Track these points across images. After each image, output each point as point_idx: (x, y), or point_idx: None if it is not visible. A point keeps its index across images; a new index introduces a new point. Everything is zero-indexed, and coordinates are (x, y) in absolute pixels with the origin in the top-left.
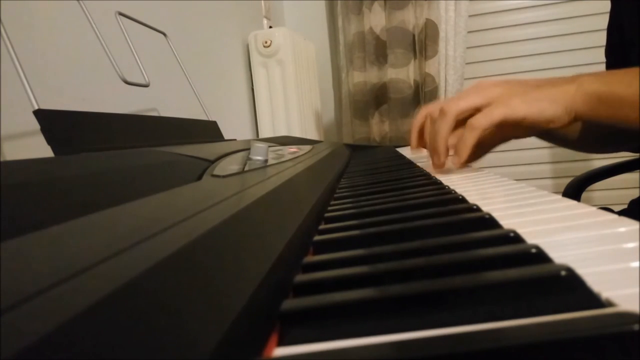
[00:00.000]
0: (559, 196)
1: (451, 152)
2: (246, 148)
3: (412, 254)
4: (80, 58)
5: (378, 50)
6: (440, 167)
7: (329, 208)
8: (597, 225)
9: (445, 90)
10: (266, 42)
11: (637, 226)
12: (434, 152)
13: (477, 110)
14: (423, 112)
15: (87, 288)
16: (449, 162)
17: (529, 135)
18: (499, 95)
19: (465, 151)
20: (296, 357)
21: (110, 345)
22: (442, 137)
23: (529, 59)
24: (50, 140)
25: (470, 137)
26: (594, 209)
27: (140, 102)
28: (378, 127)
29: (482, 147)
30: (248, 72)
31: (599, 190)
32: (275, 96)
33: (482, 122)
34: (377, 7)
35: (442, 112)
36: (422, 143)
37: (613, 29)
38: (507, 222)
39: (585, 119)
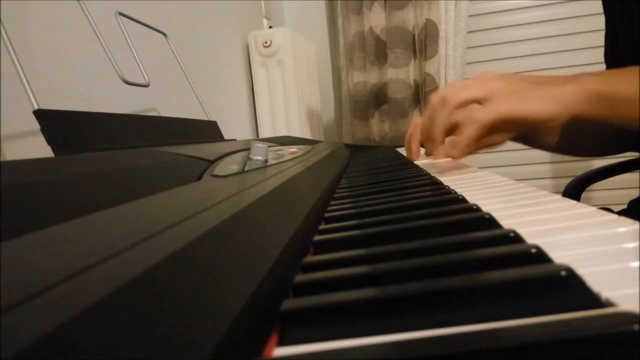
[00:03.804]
0: (559, 196)
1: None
2: (246, 148)
3: (412, 254)
4: (80, 58)
5: (378, 50)
6: (432, 155)
7: (329, 208)
8: (597, 225)
9: None
10: (266, 42)
11: (637, 226)
12: (429, 139)
13: (477, 102)
14: (416, 122)
15: (87, 288)
16: (442, 153)
17: (517, 133)
18: (500, 90)
19: (464, 145)
20: (296, 357)
21: (110, 345)
22: (439, 124)
23: (529, 59)
24: (50, 140)
25: (473, 131)
26: (594, 209)
27: (140, 102)
28: (378, 127)
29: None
30: (248, 72)
31: (599, 190)
32: (275, 96)
33: (488, 117)
34: (377, 7)
35: (442, 99)
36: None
37: (608, 38)
38: (507, 222)
39: (583, 118)
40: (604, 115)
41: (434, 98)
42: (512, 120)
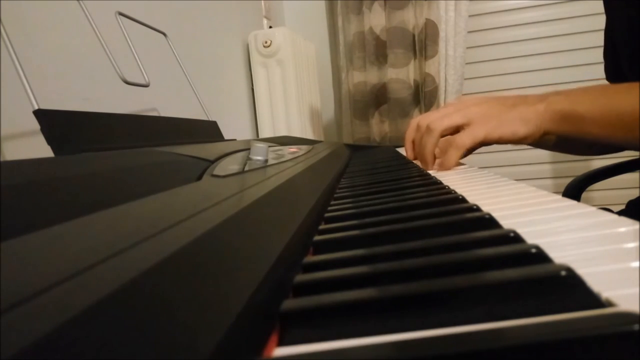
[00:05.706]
0: (559, 196)
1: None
2: (246, 148)
3: (412, 254)
4: (80, 58)
5: (378, 50)
6: (428, 170)
7: (329, 208)
8: (597, 226)
9: (445, 90)
10: (266, 42)
11: (637, 226)
12: (422, 160)
13: (458, 128)
14: (413, 125)
15: (87, 288)
16: (436, 166)
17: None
18: (478, 115)
19: (451, 166)
20: (296, 357)
21: (110, 345)
22: (429, 151)
23: (529, 59)
24: (50, 140)
25: (455, 154)
26: (594, 209)
27: (140, 102)
28: (378, 127)
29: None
30: (248, 72)
31: (599, 190)
32: (275, 96)
33: (465, 143)
34: (377, 7)
35: (428, 129)
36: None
37: (607, 35)
38: (507, 222)
39: (553, 134)
40: (569, 131)
41: (422, 123)
42: (489, 142)
